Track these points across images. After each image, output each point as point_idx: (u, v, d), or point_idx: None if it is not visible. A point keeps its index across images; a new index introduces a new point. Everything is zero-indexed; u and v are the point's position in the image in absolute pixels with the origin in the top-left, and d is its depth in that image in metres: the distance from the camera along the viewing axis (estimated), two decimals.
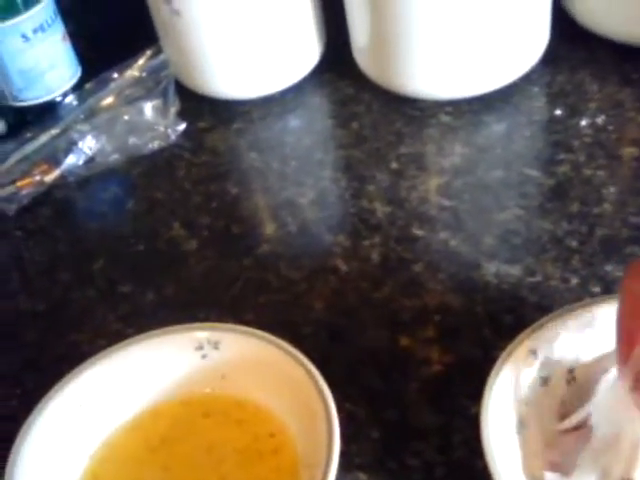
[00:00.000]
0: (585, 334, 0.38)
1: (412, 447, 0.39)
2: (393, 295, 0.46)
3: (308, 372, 0.37)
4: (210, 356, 0.40)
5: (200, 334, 0.40)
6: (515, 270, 0.46)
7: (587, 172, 0.51)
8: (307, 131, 0.59)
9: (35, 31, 0.58)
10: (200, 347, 0.40)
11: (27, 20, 0.58)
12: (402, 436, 0.40)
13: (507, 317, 0.44)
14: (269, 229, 0.52)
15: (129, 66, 0.61)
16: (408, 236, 0.49)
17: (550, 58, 0.58)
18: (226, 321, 0.44)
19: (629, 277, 0.33)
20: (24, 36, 0.58)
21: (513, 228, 0.49)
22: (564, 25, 0.60)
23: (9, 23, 0.57)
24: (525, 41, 0.56)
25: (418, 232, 0.50)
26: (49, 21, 0.59)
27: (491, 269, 0.46)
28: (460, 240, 0.49)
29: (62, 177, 0.57)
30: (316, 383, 0.36)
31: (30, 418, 0.37)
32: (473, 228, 0.50)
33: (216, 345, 0.39)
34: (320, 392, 0.36)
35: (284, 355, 0.38)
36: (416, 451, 0.39)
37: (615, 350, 0.33)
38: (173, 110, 0.59)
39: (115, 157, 0.58)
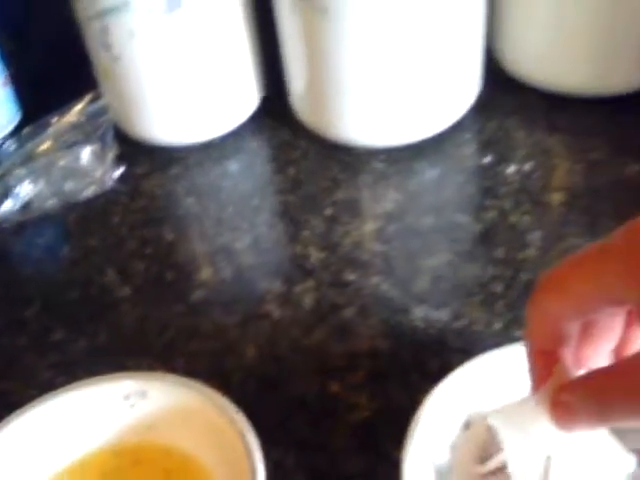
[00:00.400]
0: (505, 378, 0.39)
1: None
2: (324, 340, 0.47)
3: (232, 420, 0.37)
4: (138, 405, 0.40)
5: (127, 383, 0.40)
6: (442, 314, 0.47)
7: (513, 218, 0.52)
8: (244, 176, 0.60)
9: None
10: (127, 397, 0.40)
11: None
12: None
13: (433, 361, 0.44)
14: (204, 275, 0.52)
15: (68, 111, 0.62)
16: (340, 281, 0.50)
17: (481, 106, 0.60)
18: (157, 369, 0.45)
19: (538, 292, 0.32)
20: None
21: (442, 273, 0.50)
22: (495, 74, 0.62)
23: None
24: (456, 90, 0.58)
25: (350, 277, 0.50)
26: None
27: (420, 313, 0.47)
28: (391, 285, 0.50)
29: None
30: (240, 431, 0.36)
31: None
32: (404, 273, 0.51)
33: (143, 394, 0.40)
34: (244, 440, 0.36)
35: (210, 403, 0.38)
36: None
37: (529, 371, 0.33)
38: (111, 155, 0.59)
39: (52, 202, 0.58)
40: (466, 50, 0.57)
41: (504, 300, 0.47)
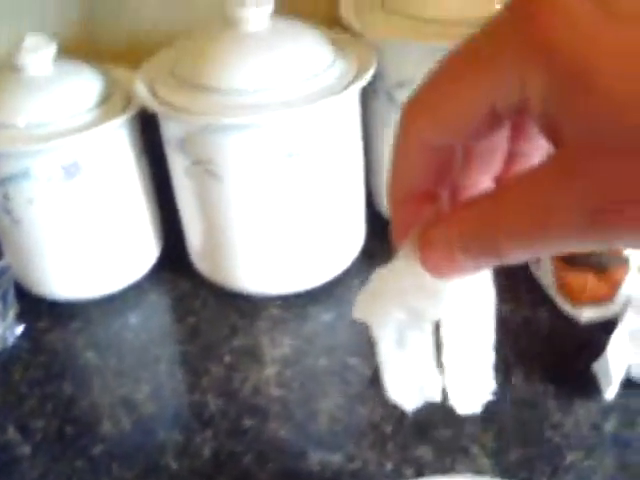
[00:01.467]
0: None
1: None
2: None
3: None
4: None
5: None
6: (337, 457, 0.49)
7: None
8: (145, 328, 0.62)
9: None
10: None
11: None
12: None
13: None
14: (104, 428, 0.53)
15: None
16: (239, 428, 0.52)
17: (366, 253, 0.65)
18: None
19: (404, 121, 0.25)
20: None
21: (336, 415, 0.52)
22: (378, 223, 0.67)
23: None
24: (344, 240, 0.62)
25: (248, 423, 0.52)
26: None
27: (316, 458, 0.49)
28: (288, 429, 0.52)
29: None
30: None
31: None
32: (301, 416, 0.53)
33: None
34: None
35: None
36: None
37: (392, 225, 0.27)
38: (12, 313, 0.60)
39: None
40: (350, 205, 0.62)
41: (394, 441, 0.50)
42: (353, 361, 0.57)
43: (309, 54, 0.55)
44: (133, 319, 0.62)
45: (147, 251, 0.64)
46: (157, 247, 0.65)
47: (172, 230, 0.65)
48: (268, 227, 0.58)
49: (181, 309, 0.63)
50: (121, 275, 0.63)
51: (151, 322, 0.63)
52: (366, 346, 0.58)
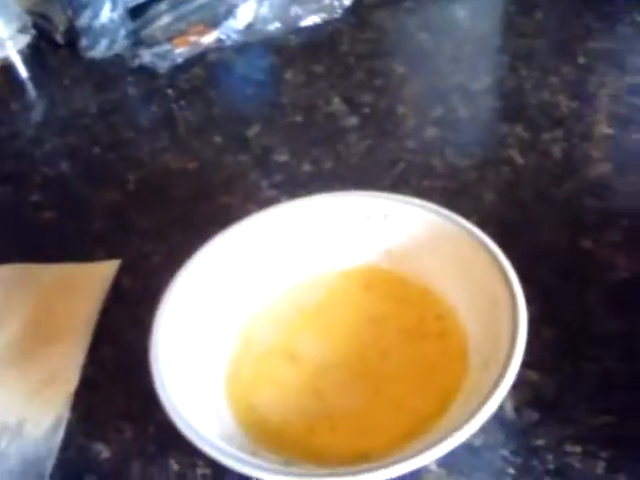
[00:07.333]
0: None
1: (590, 352, 0.35)
2: (575, 194, 0.41)
3: (492, 255, 0.33)
4: (377, 227, 0.36)
5: (370, 201, 0.36)
6: None
7: None
8: (484, 16, 0.54)
9: None
10: (368, 216, 0.36)
11: None
12: (579, 340, 0.35)
13: None
14: (436, 112, 0.47)
15: None
16: (595, 134, 0.44)
17: None
18: None
19: None
20: None
21: None
22: None
23: None
24: None
25: (607, 131, 0.44)
26: None
27: None
28: None
29: (219, 40, 0.54)
30: (502, 268, 0.32)
31: (177, 273, 0.34)
32: None
33: (386, 216, 0.36)
34: (506, 279, 0.32)
35: (465, 235, 0.34)
36: (594, 357, 0.35)
37: None
38: None
39: (275, 26, 0.54)
40: None
41: None
42: None
43: None
44: (470, 5, 0.55)
45: None
46: None
47: None
48: None
49: (526, 1, 0.54)
50: None
51: (491, 11, 0.55)
52: None
